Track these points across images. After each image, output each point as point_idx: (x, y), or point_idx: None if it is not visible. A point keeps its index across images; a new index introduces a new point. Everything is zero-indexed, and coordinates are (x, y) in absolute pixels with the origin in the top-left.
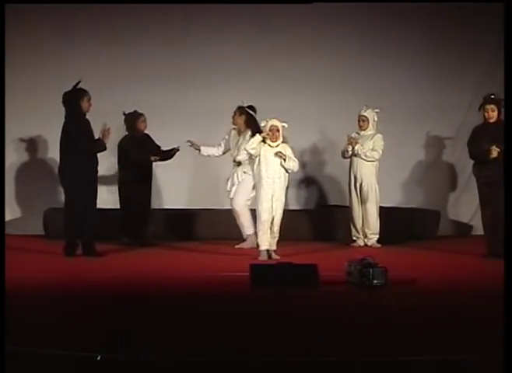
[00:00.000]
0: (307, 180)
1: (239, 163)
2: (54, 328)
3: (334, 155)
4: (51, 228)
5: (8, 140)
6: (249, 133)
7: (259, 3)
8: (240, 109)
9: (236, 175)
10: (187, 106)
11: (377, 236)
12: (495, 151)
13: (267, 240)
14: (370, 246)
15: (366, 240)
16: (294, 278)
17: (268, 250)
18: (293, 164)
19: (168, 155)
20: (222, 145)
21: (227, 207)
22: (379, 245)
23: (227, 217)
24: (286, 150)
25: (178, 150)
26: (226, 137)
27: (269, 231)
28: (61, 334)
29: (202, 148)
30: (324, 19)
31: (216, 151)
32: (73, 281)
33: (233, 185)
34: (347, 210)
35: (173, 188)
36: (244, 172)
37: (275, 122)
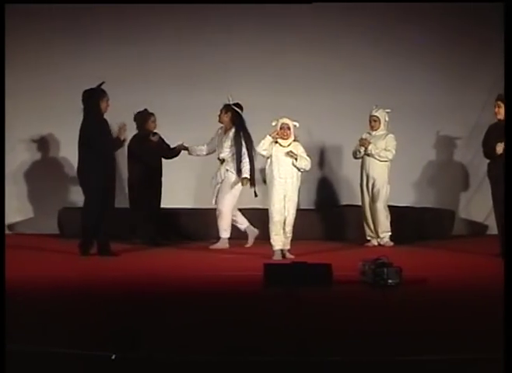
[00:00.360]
0: (319, 180)
1: (222, 161)
2: (69, 327)
3: (345, 154)
4: (66, 228)
5: (19, 139)
6: (233, 130)
7: (259, 3)
8: (226, 107)
9: (219, 173)
10: (196, 106)
11: (389, 233)
12: (500, 147)
13: (280, 240)
14: (384, 245)
15: (378, 239)
16: (308, 277)
17: (281, 250)
18: (305, 163)
19: (174, 152)
20: (209, 144)
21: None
22: (392, 243)
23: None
24: (298, 149)
25: (186, 148)
26: (213, 135)
27: (282, 231)
28: (76, 333)
29: (190, 148)
30: (335, 18)
31: (202, 149)
32: (88, 280)
33: (216, 184)
34: (359, 209)
35: (181, 187)
36: (227, 170)
37: (285, 120)
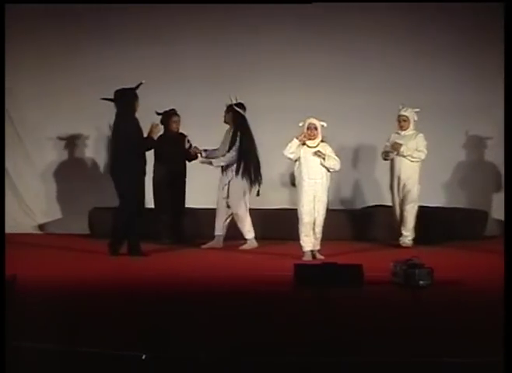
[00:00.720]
0: (348, 180)
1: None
2: (99, 327)
3: (373, 154)
4: (96, 228)
5: (48, 138)
6: (232, 130)
7: (259, 3)
8: (228, 107)
9: (225, 174)
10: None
11: (412, 236)
12: None
13: (310, 241)
14: (402, 245)
15: (400, 239)
16: (339, 278)
17: (311, 251)
18: (334, 162)
19: (191, 155)
20: (220, 150)
21: (266, 206)
22: (410, 245)
23: (266, 217)
24: (326, 149)
25: (200, 154)
26: (223, 139)
27: (312, 232)
28: (106, 333)
29: (213, 161)
30: (363, 17)
31: (220, 160)
32: (119, 280)
33: (224, 185)
34: (389, 210)
35: (208, 187)
36: (233, 171)
37: (312, 120)
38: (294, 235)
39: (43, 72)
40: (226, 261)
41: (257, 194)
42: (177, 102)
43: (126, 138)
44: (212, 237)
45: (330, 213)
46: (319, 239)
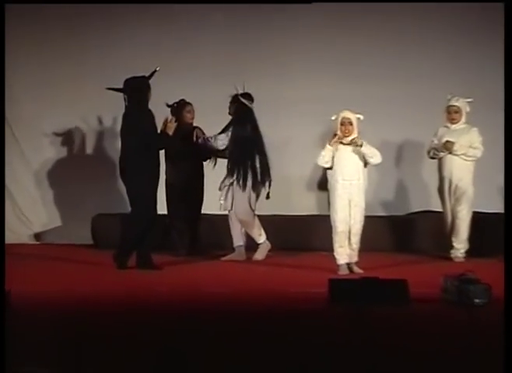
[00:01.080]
0: (388, 182)
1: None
2: (106, 347)
3: (418, 152)
4: (101, 237)
5: (43, 134)
6: (233, 123)
7: (259, 3)
8: (233, 98)
9: (229, 174)
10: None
11: (466, 248)
12: None
13: (345, 253)
14: (453, 259)
15: (452, 252)
16: (380, 295)
17: (348, 263)
18: (374, 152)
19: (204, 152)
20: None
21: (291, 212)
22: (462, 259)
23: (294, 225)
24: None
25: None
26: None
27: (347, 242)
28: (113, 353)
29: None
30: (402, 4)
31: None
32: (129, 296)
33: (225, 186)
34: (437, 216)
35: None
36: (234, 170)
37: (347, 114)
38: (327, 246)
39: (39, 60)
40: (249, 275)
41: (267, 197)
42: (187, 93)
43: (138, 134)
44: (233, 248)
45: (368, 220)
46: (356, 250)
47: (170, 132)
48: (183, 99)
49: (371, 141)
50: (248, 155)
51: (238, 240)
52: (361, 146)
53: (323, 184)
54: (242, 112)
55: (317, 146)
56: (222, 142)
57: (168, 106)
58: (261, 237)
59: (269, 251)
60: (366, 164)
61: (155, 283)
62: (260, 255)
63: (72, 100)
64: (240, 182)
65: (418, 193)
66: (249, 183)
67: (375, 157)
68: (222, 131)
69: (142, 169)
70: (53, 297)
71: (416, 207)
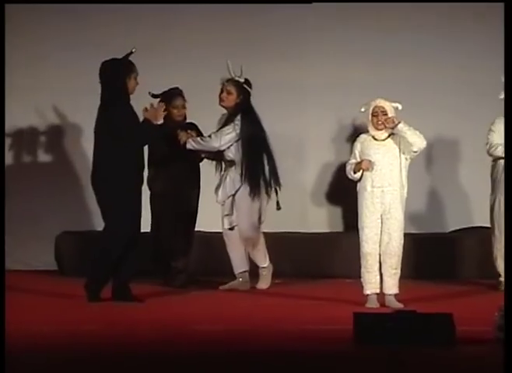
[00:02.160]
0: (424, 191)
1: (231, 163)
2: None
3: (463, 154)
4: (67, 261)
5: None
6: (239, 118)
7: (260, 3)
8: (232, 83)
9: (228, 182)
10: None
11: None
12: None
13: (373, 280)
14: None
15: (500, 280)
16: (418, 334)
17: (377, 294)
18: (417, 132)
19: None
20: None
21: (310, 229)
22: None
23: (312, 245)
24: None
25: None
26: (217, 127)
27: (377, 266)
28: None
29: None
30: None
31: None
32: (103, 336)
33: (226, 197)
34: (486, 234)
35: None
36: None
37: (381, 102)
38: (352, 271)
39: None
40: (254, 309)
41: (278, 207)
42: (178, 82)
43: (116, 132)
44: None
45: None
46: (395, 278)
47: (158, 121)
48: (176, 88)
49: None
50: (258, 156)
51: (241, 265)
52: (398, 124)
53: (348, 192)
54: (248, 103)
55: (337, 143)
56: (229, 138)
57: (153, 96)
58: (265, 259)
59: (279, 278)
60: (401, 168)
61: (134, 319)
62: (265, 282)
63: (33, 89)
64: (249, 190)
65: (462, 206)
66: (262, 190)
67: (418, 139)
68: (223, 126)
69: (120, 175)
70: (7, 339)
71: (460, 222)
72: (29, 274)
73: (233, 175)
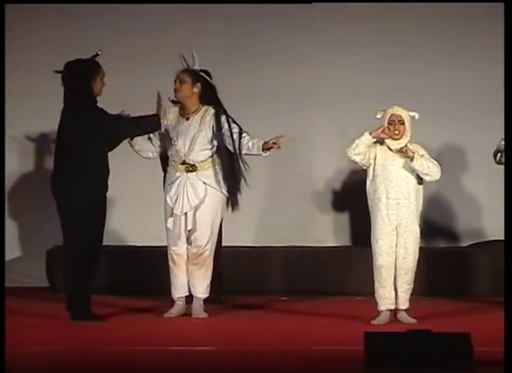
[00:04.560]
0: (436, 202)
1: (193, 167)
2: None
3: (479, 158)
4: (58, 277)
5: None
6: (211, 112)
7: (259, 3)
8: (192, 75)
9: (186, 189)
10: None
11: None
12: None
13: (388, 295)
14: None
15: None
16: (433, 354)
17: (391, 310)
18: (430, 166)
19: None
20: (161, 140)
21: (315, 243)
22: None
23: (317, 259)
24: (419, 150)
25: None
26: (165, 124)
27: (391, 280)
28: None
29: (133, 142)
30: None
31: (152, 148)
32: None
33: (184, 208)
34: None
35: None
36: (205, 184)
37: (397, 110)
38: (362, 288)
39: None
40: (258, 328)
41: (233, 209)
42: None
43: (91, 132)
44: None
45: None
46: (408, 293)
47: (162, 114)
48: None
49: (426, 145)
50: (233, 155)
51: (183, 289)
52: (412, 160)
53: (359, 201)
54: (209, 94)
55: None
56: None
57: (173, 102)
58: (207, 289)
59: (285, 295)
60: (420, 179)
61: (91, 340)
62: (202, 313)
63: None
64: (218, 195)
65: (480, 217)
66: (239, 197)
67: (432, 174)
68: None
69: (91, 178)
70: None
71: (478, 235)
72: (18, 292)
73: (196, 182)
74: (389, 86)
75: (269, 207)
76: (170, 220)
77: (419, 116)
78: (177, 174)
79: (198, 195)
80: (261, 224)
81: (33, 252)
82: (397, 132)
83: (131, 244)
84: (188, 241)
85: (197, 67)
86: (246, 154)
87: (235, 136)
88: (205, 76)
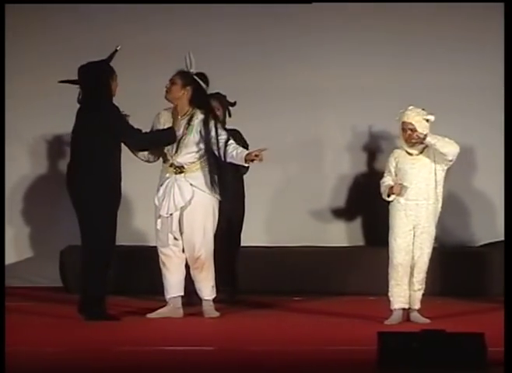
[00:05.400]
0: (450, 201)
1: (181, 169)
2: None
3: (493, 159)
4: (72, 277)
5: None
6: (200, 117)
7: (259, 3)
8: (184, 77)
9: (173, 190)
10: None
11: None
12: None
13: (402, 293)
14: None
15: None
16: (447, 354)
17: (404, 309)
18: (446, 139)
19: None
20: None
21: (329, 242)
22: None
23: (331, 260)
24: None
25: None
26: (155, 126)
27: (407, 279)
28: None
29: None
30: None
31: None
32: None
33: (168, 210)
34: None
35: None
36: (192, 186)
37: (409, 118)
38: (374, 288)
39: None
40: (270, 328)
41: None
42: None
43: (100, 134)
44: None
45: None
46: (420, 293)
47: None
48: (215, 93)
49: None
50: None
51: (177, 289)
52: (424, 138)
53: (372, 201)
54: (200, 97)
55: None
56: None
57: (230, 104)
58: (213, 290)
59: (297, 295)
60: (436, 181)
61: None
62: (213, 312)
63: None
64: (207, 197)
65: (493, 218)
66: (216, 196)
67: (448, 145)
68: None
69: (111, 180)
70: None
71: (490, 235)
72: (31, 291)
73: (183, 184)
74: (399, 84)
75: (281, 208)
76: (159, 221)
77: (430, 112)
78: (167, 175)
79: (184, 196)
80: (274, 225)
81: (46, 253)
82: (413, 136)
83: (141, 244)
84: (182, 245)
85: (193, 69)
86: (229, 162)
87: (221, 144)
88: (198, 80)
